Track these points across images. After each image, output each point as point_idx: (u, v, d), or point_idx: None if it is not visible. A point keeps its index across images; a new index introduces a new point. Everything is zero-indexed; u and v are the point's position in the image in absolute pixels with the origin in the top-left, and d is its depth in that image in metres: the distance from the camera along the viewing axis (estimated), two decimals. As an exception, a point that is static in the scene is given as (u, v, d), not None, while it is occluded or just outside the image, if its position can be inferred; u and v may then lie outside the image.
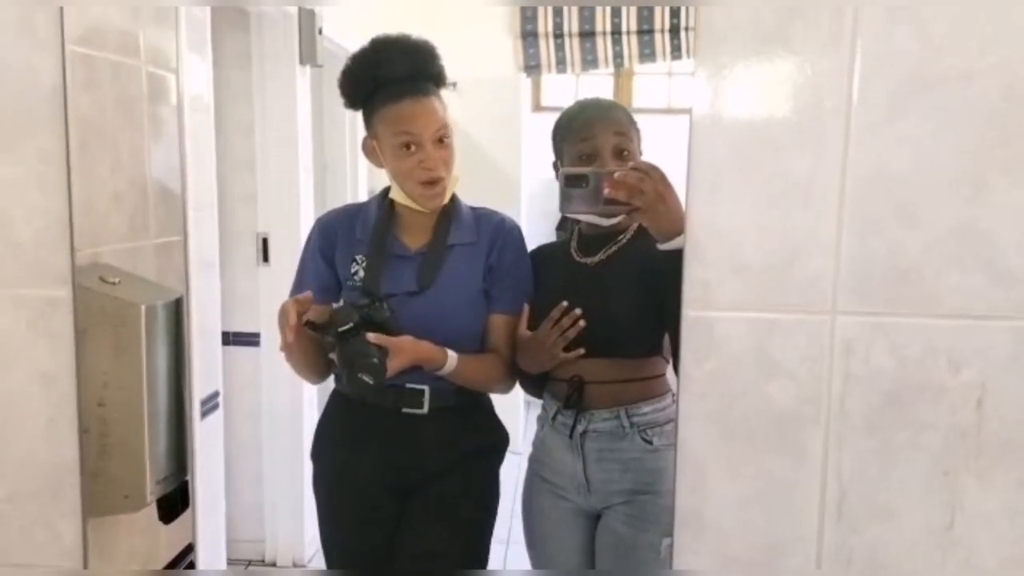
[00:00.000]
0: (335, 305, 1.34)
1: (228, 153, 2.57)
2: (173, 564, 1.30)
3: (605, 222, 1.31)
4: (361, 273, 1.35)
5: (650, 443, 1.31)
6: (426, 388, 1.34)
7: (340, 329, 1.25)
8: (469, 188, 1.54)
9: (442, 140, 1.31)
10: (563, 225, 1.57)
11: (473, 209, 1.41)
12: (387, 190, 1.40)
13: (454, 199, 1.37)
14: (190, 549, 1.35)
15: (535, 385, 1.42)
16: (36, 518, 0.88)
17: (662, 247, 1.11)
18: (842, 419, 0.84)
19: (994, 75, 0.78)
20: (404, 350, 1.28)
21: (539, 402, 1.44)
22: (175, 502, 1.17)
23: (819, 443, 0.84)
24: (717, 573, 0.87)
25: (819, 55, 0.79)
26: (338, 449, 1.43)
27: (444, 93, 1.34)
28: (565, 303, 1.26)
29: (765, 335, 0.83)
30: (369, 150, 1.37)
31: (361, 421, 1.39)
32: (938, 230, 0.80)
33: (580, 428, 1.33)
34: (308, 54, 2.82)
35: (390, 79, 1.29)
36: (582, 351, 1.28)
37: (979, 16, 0.77)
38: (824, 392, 0.84)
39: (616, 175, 1.14)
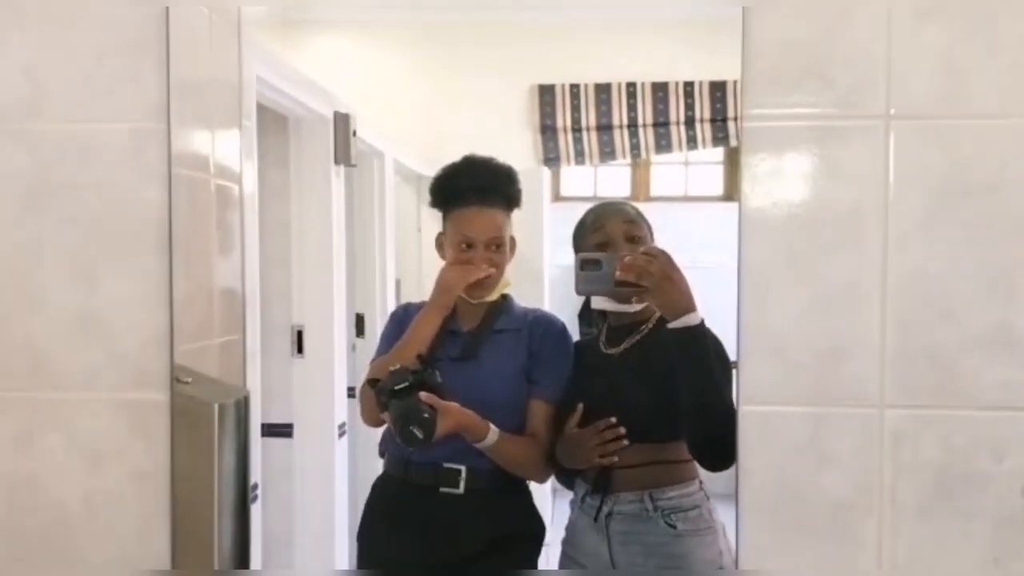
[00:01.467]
0: (391, 368, 1.45)
1: (265, 249, 2.67)
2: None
3: (619, 307, 1.40)
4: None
5: (674, 527, 1.34)
6: (463, 468, 1.44)
7: (396, 387, 1.37)
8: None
9: (497, 247, 1.49)
10: (584, 313, 1.65)
11: (524, 308, 1.55)
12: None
13: (507, 298, 1.53)
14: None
15: (567, 476, 1.47)
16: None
17: (671, 325, 1.20)
18: (894, 508, 0.89)
19: (1016, 188, 0.85)
20: (451, 413, 1.38)
21: (566, 493, 1.50)
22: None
23: (873, 532, 0.89)
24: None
25: (857, 170, 0.87)
26: (379, 529, 1.51)
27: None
28: (613, 419, 1.33)
29: (817, 428, 0.89)
30: (438, 244, 1.56)
31: (400, 501, 1.49)
32: (976, 328, 0.87)
33: (605, 510, 1.37)
34: (343, 154, 2.95)
35: (466, 188, 1.49)
36: (616, 459, 1.34)
37: (999, 139, 0.85)
38: (876, 482, 0.89)
39: (626, 259, 1.26)
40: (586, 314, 1.62)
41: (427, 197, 1.61)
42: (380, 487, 1.55)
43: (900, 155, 0.87)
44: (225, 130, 1.35)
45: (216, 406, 1.15)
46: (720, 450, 1.11)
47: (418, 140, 3.10)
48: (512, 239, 1.55)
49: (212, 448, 1.13)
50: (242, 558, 1.21)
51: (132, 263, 0.94)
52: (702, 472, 1.35)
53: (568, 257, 1.52)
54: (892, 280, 0.88)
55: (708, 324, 1.28)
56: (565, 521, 1.52)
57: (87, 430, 0.94)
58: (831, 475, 0.89)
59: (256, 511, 2.51)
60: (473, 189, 1.50)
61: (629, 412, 1.35)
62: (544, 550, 1.74)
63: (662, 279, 1.23)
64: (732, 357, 0.95)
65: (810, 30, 0.88)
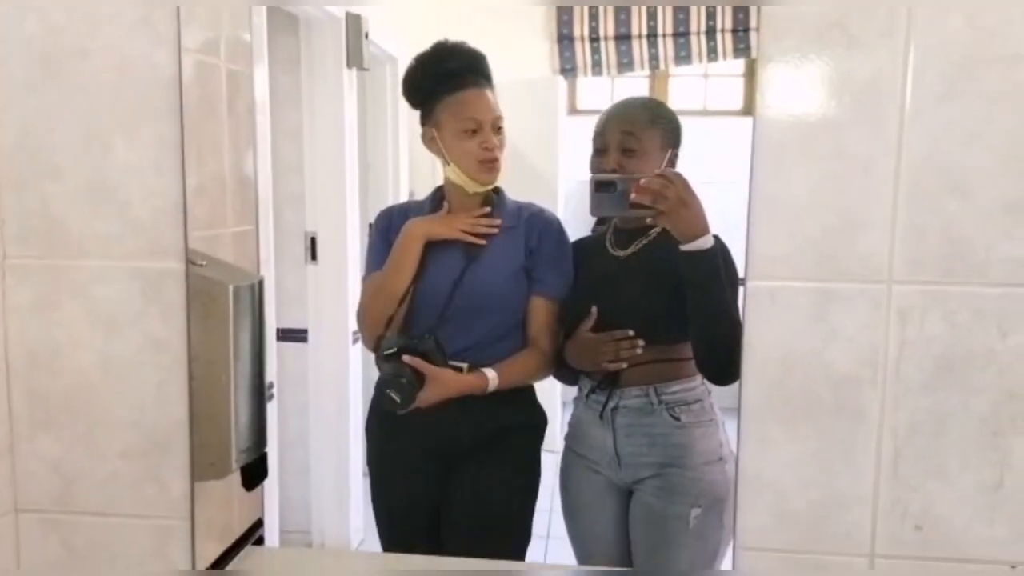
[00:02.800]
0: (384, 334, 1.48)
1: (277, 155, 2.66)
2: (244, 538, 1.38)
3: (632, 227, 1.40)
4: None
5: (678, 419, 1.38)
6: (463, 367, 1.45)
7: (384, 352, 1.40)
8: (507, 188, 1.63)
9: (498, 128, 1.46)
10: (602, 220, 1.65)
11: (517, 202, 1.55)
12: (439, 188, 1.55)
13: (499, 191, 1.52)
14: (259, 524, 1.43)
15: (570, 375, 1.50)
16: (147, 474, 0.96)
17: (684, 248, 1.20)
18: (898, 383, 0.90)
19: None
20: (443, 382, 1.42)
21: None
22: (255, 472, 1.25)
23: (876, 406, 0.91)
24: (776, 528, 0.93)
25: (875, 43, 0.86)
26: (384, 425, 1.54)
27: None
28: (631, 331, 1.34)
29: (824, 303, 0.90)
30: (429, 140, 1.51)
31: None
32: (989, 204, 0.87)
33: (611, 405, 1.40)
34: (355, 58, 2.91)
35: (452, 73, 1.45)
36: (624, 366, 1.36)
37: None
38: (880, 358, 0.90)
39: (642, 181, 1.24)
40: (601, 218, 1.62)
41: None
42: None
43: (921, 23, 0.85)
44: (238, 25, 1.33)
45: (231, 287, 1.17)
46: (727, 366, 1.14)
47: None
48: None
49: (227, 328, 1.15)
50: (259, 439, 1.25)
51: (145, 130, 0.94)
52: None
53: (583, 171, 1.50)
54: (907, 154, 0.87)
55: (724, 239, 1.29)
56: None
57: (104, 297, 0.96)
58: (836, 350, 0.90)
59: (272, 411, 2.56)
60: (465, 71, 1.47)
61: (636, 314, 1.37)
62: (555, 459, 1.78)
63: (677, 203, 1.22)
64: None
65: None
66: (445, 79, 1.46)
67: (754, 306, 0.91)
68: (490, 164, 1.45)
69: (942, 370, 0.89)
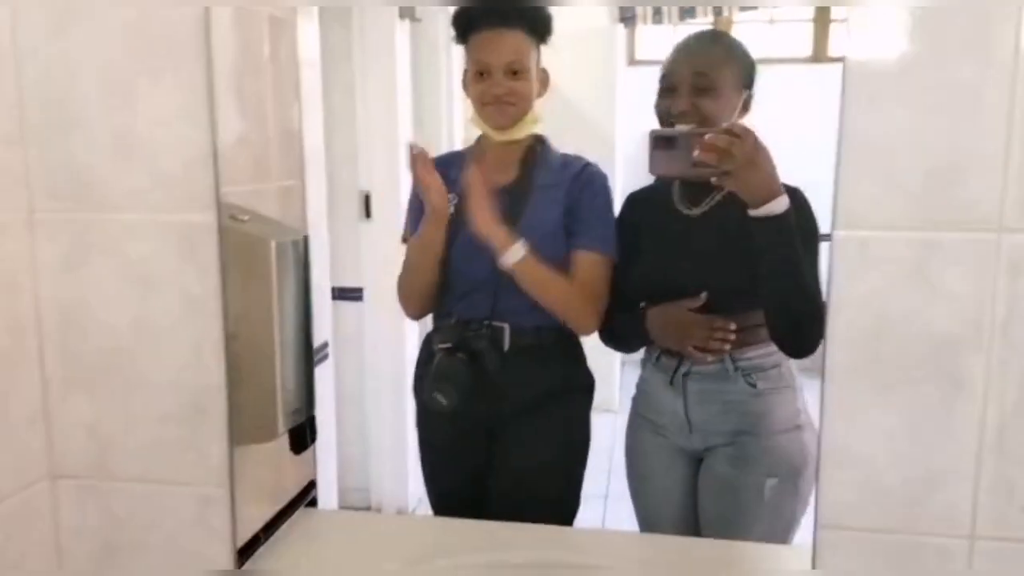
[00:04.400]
0: (451, 321, 1.43)
1: (330, 111, 2.61)
2: (297, 499, 1.33)
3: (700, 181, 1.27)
4: (452, 210, 1.42)
5: (754, 386, 1.29)
6: (506, 326, 1.40)
7: (440, 346, 1.37)
8: (561, 144, 1.54)
9: (516, 72, 1.38)
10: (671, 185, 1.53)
11: (564, 155, 1.47)
12: (480, 138, 1.49)
13: (544, 143, 1.46)
14: (312, 486, 1.38)
15: (627, 343, 1.41)
16: (185, 439, 0.91)
17: (753, 213, 1.09)
18: (1006, 345, 0.79)
19: None
20: (479, 210, 1.34)
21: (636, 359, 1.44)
22: (304, 435, 1.20)
23: (980, 371, 0.80)
24: (863, 505, 0.84)
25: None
26: (428, 385, 1.49)
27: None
28: (733, 325, 1.24)
29: (922, 255, 0.79)
30: (464, 81, 1.47)
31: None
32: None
33: (683, 370, 1.32)
34: (407, 8, 2.82)
35: (483, 11, 1.39)
36: (709, 359, 1.27)
37: None
38: (987, 317, 0.79)
39: (707, 137, 1.11)
40: None
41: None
42: (427, 344, 1.53)
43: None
44: None
45: (273, 243, 1.10)
46: (805, 339, 1.04)
47: None
48: (544, 71, 1.44)
49: (270, 286, 1.09)
50: (307, 401, 1.19)
51: (172, 77, 0.87)
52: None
53: (642, 124, 1.38)
54: (1022, 87, 0.75)
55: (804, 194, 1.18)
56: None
57: (135, 253, 0.90)
58: (935, 308, 0.80)
59: (327, 369, 2.53)
60: (489, 11, 1.40)
61: (710, 277, 1.27)
62: (611, 419, 1.70)
63: (747, 164, 1.09)
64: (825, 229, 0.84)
65: None
66: (478, 16, 1.40)
67: (842, 259, 0.80)
68: (493, 107, 1.39)
69: (1058, 334, 0.78)
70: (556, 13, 1.57)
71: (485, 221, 1.33)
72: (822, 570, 0.85)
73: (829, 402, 0.83)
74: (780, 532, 1.27)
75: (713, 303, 1.27)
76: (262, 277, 1.08)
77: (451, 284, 1.45)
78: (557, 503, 1.41)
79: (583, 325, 1.41)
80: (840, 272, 0.81)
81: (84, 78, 0.88)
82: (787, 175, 1.17)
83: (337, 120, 2.85)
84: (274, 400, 1.10)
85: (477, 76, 1.40)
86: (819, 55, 3.96)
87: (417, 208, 1.48)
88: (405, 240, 1.55)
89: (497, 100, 1.38)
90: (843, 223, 0.79)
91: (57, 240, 0.90)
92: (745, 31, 4.00)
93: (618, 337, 1.42)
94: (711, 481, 1.33)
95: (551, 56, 1.50)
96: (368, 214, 2.99)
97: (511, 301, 1.39)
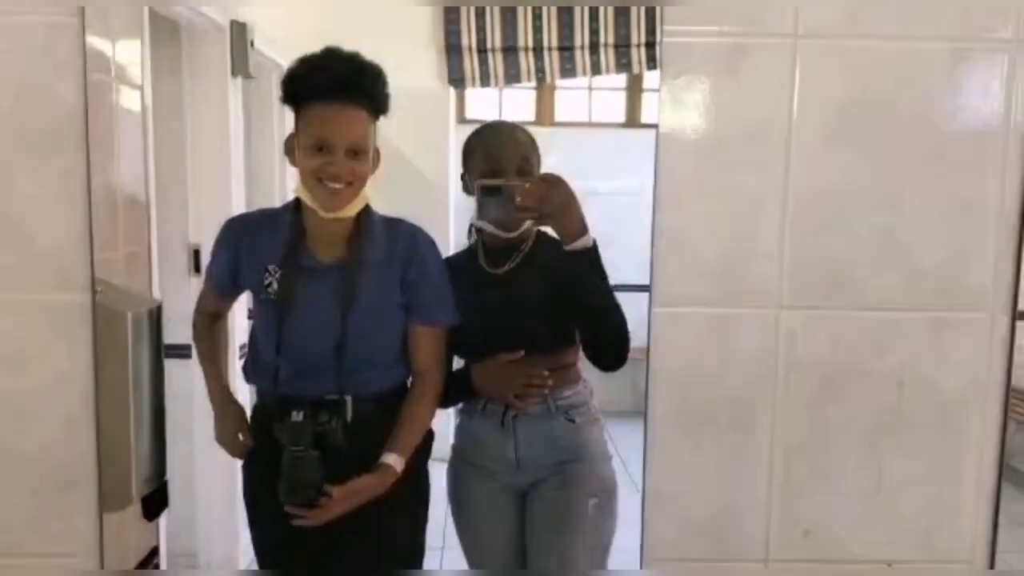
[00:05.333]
0: (294, 416, 1.32)
1: (159, 164, 2.59)
2: (141, 564, 1.35)
3: (509, 234, 1.43)
4: (275, 285, 1.38)
5: (573, 421, 1.44)
6: (348, 399, 1.36)
7: (292, 448, 1.29)
8: (397, 198, 1.64)
9: (356, 153, 1.33)
10: (472, 232, 1.68)
11: (386, 220, 1.43)
12: (297, 202, 1.40)
13: (368, 211, 1.40)
14: (155, 552, 1.41)
15: (453, 399, 1.52)
16: (53, 511, 0.95)
17: (569, 247, 1.26)
18: (787, 399, 0.99)
19: (908, 107, 0.94)
20: (356, 495, 1.30)
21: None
22: (156, 501, 1.24)
23: (767, 420, 0.99)
24: (680, 539, 1.00)
25: (764, 86, 0.94)
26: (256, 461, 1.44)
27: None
28: (547, 372, 1.38)
29: (720, 327, 0.98)
30: (289, 147, 1.39)
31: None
32: (866, 238, 0.96)
33: (511, 414, 1.45)
34: (240, 66, 2.86)
35: (326, 84, 1.32)
36: (527, 409, 1.41)
37: (894, 61, 0.93)
38: (771, 376, 0.98)
39: (528, 186, 1.28)
40: (471, 230, 1.65)
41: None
42: (255, 415, 1.46)
43: (805, 74, 0.94)
44: (126, 37, 1.30)
45: (130, 315, 1.15)
46: (616, 352, 1.21)
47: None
48: (376, 150, 1.37)
49: (126, 358, 1.14)
50: (160, 468, 1.23)
51: (47, 163, 0.92)
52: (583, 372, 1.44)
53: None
54: (792, 193, 0.96)
55: (608, 245, 1.34)
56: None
57: (8, 332, 0.93)
58: (732, 370, 0.98)
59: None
60: (333, 83, 1.32)
61: (524, 328, 1.42)
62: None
63: (561, 207, 1.27)
64: (637, 271, 1.02)
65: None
66: (315, 87, 1.33)
67: (657, 329, 0.98)
68: (330, 192, 1.33)
69: (826, 387, 0.98)
70: (392, 76, 1.67)
71: (362, 499, 1.31)
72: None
73: (651, 453, 1.00)
74: (601, 546, 1.42)
75: (527, 350, 1.42)
76: (119, 349, 1.12)
77: (279, 364, 1.38)
78: (407, 556, 1.46)
79: (438, 399, 1.43)
80: (656, 340, 0.98)
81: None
82: (600, 226, 1.35)
83: (166, 173, 2.82)
84: (129, 468, 1.14)
85: (313, 150, 1.32)
86: (631, 120, 4.32)
87: (218, 270, 1.44)
88: (200, 312, 1.51)
89: (335, 179, 1.32)
90: (658, 301, 0.97)
91: (-81, 319, 0.92)
92: (567, 96, 4.30)
93: (446, 394, 1.52)
94: (540, 506, 1.46)
95: (389, 114, 1.55)
96: (197, 268, 2.96)
97: (353, 377, 1.37)
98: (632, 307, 1.06)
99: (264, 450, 1.37)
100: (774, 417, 0.99)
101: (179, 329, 3.00)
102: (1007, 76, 0.94)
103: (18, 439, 0.94)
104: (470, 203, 1.44)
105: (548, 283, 1.34)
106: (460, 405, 1.53)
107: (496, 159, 1.42)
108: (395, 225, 1.43)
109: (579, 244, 1.22)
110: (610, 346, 1.28)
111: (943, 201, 0.96)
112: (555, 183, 1.25)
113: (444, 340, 1.42)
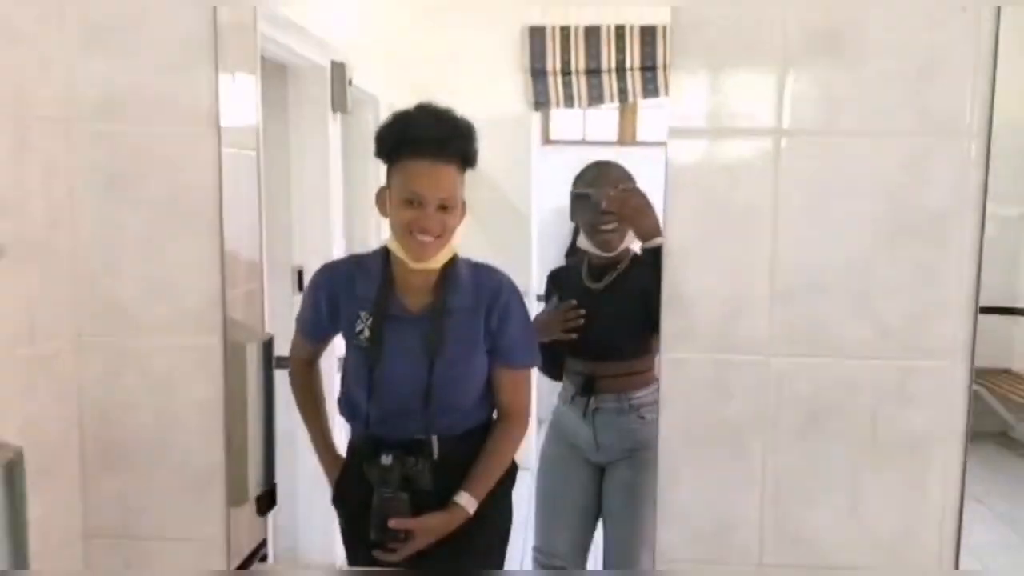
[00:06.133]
0: (383, 459, 1.43)
1: (267, 193, 2.95)
2: (251, 555, 1.67)
3: (601, 253, 1.74)
4: (366, 332, 1.47)
5: (643, 418, 1.74)
6: (434, 438, 1.47)
7: (382, 490, 1.40)
8: (483, 221, 1.92)
9: (446, 207, 1.39)
10: (572, 251, 1.98)
11: (472, 267, 1.50)
12: (387, 248, 1.48)
13: (454, 260, 1.46)
14: (264, 544, 1.72)
15: (555, 372, 1.82)
16: (192, 504, 1.27)
17: (644, 245, 1.55)
18: (776, 431, 1.22)
19: (879, 194, 1.16)
20: (427, 533, 1.42)
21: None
22: (267, 500, 1.54)
23: (759, 449, 1.22)
24: (687, 543, 1.25)
25: (748, 170, 1.18)
26: (354, 495, 1.57)
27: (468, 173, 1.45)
28: (574, 301, 1.68)
29: (719, 371, 1.22)
30: (380, 199, 1.47)
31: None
32: (841, 299, 1.19)
33: (592, 407, 1.75)
34: (339, 102, 3.21)
35: (419, 139, 1.40)
36: (574, 336, 1.71)
37: (859, 153, 1.16)
38: (764, 412, 1.22)
39: (611, 193, 1.61)
40: (572, 250, 1.94)
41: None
42: (349, 451, 1.61)
43: (788, 160, 1.18)
44: (243, 103, 1.60)
45: (248, 347, 1.45)
46: None
47: (410, 84, 3.32)
48: (463, 203, 1.43)
49: (245, 382, 1.44)
50: (269, 473, 1.53)
51: (190, 232, 1.25)
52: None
53: (556, 199, 1.78)
54: (779, 259, 1.19)
55: None
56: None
57: (163, 367, 1.26)
58: (730, 406, 1.22)
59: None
60: (426, 140, 1.38)
61: (610, 335, 1.73)
62: (529, 476, 2.08)
63: (637, 211, 1.57)
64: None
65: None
66: (408, 144, 1.40)
67: (669, 372, 1.23)
68: (420, 244, 1.39)
69: (810, 422, 1.21)
70: (480, 101, 1.95)
71: (433, 535, 1.42)
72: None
73: (662, 472, 1.24)
74: None
75: (612, 354, 1.71)
76: (240, 376, 1.42)
77: (370, 407, 1.48)
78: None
79: (522, 437, 1.56)
80: (666, 382, 1.23)
81: (126, 235, 1.25)
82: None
83: (273, 201, 3.19)
84: (247, 472, 1.44)
85: (405, 204, 1.39)
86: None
87: (312, 313, 1.60)
88: (294, 360, 1.66)
89: (425, 232, 1.38)
90: (667, 348, 1.22)
91: (97, 357, 1.26)
92: (649, 116, 4.50)
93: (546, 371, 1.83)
94: (616, 481, 1.81)
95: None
96: (301, 287, 3.32)
97: (440, 419, 1.46)
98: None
99: (354, 486, 1.52)
100: (765, 445, 1.22)
101: (284, 343, 3.37)
102: (960, 164, 1.15)
103: (168, 448, 1.27)
104: (556, 221, 1.73)
105: (634, 300, 1.65)
106: (560, 392, 1.89)
107: (596, 184, 1.71)
108: (480, 272, 1.50)
109: (653, 243, 1.53)
110: None
111: (907, 269, 1.17)
112: (633, 191, 1.58)
113: (528, 381, 1.56)
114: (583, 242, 1.79)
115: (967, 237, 1.16)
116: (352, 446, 1.59)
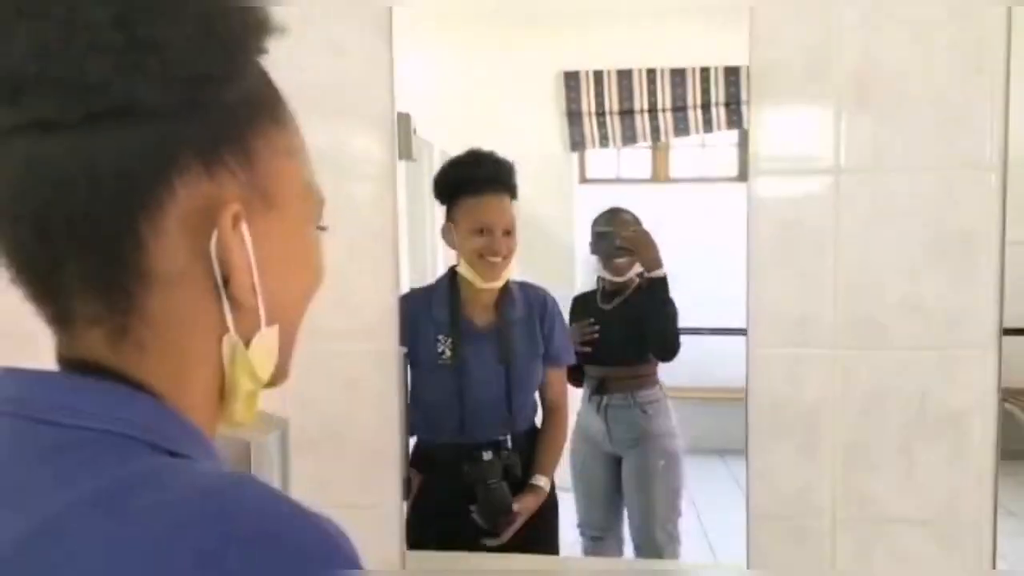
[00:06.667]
0: (485, 456, 1.77)
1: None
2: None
3: (615, 279, 2.11)
4: (448, 352, 1.79)
5: (646, 412, 2.07)
6: (509, 436, 1.83)
7: (488, 482, 1.74)
8: (528, 254, 2.26)
9: (508, 232, 1.80)
10: (598, 281, 2.35)
11: (519, 285, 1.85)
12: (452, 273, 1.85)
13: (507, 286, 1.83)
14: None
15: (576, 379, 2.17)
16: (372, 479, 1.60)
17: (649, 274, 1.89)
18: (844, 414, 1.54)
19: (919, 218, 1.50)
20: (526, 512, 1.80)
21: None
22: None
23: (829, 427, 1.54)
24: (772, 502, 1.56)
25: (813, 200, 1.52)
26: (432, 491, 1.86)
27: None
28: (591, 319, 2.06)
29: (794, 364, 1.54)
30: (447, 234, 1.86)
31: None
32: (893, 300, 1.51)
33: (604, 404, 2.09)
34: (405, 150, 3.56)
35: (477, 179, 1.82)
36: (588, 349, 2.06)
37: (912, 186, 1.49)
38: (830, 397, 1.54)
39: (624, 233, 2.01)
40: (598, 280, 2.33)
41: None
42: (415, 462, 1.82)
43: (846, 191, 1.51)
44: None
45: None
46: (671, 349, 1.92)
47: (458, 129, 3.66)
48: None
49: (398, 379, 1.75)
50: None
51: (366, 255, 1.59)
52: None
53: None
54: (841, 272, 1.52)
55: (711, 293, 1.95)
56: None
57: (345, 368, 1.59)
58: (804, 392, 1.54)
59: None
60: (486, 179, 1.79)
61: (619, 345, 2.10)
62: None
63: (645, 246, 1.95)
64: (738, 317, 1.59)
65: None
66: (467, 184, 1.81)
67: (754, 365, 1.55)
68: (491, 265, 1.74)
69: (869, 402, 1.53)
70: (522, 143, 2.29)
71: (528, 514, 1.77)
72: (756, 551, 1.56)
73: (752, 446, 1.56)
74: (671, 492, 2.04)
75: (621, 362, 2.05)
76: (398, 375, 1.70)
77: (464, 416, 1.79)
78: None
79: (567, 423, 2.02)
80: (753, 373, 1.55)
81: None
82: (707, 272, 1.95)
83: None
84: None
85: (475, 233, 1.75)
86: (743, 175, 4.84)
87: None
88: None
89: (495, 254, 1.74)
90: (754, 345, 1.54)
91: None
92: (680, 154, 4.80)
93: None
94: (628, 467, 2.12)
95: (519, 179, 2.17)
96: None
97: (516, 418, 1.83)
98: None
99: (431, 491, 1.80)
100: (834, 424, 1.54)
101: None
102: (983, 192, 1.48)
103: (352, 433, 1.60)
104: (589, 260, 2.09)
105: (640, 319, 2.01)
106: (582, 396, 2.18)
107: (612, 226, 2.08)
108: (526, 288, 1.88)
109: (656, 273, 1.87)
110: (665, 346, 1.90)
111: (944, 278, 1.50)
112: (643, 231, 1.92)
113: (567, 377, 1.97)
114: (600, 270, 2.16)
115: (992, 251, 1.49)
116: (431, 456, 1.86)
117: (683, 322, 1.92)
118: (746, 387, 1.56)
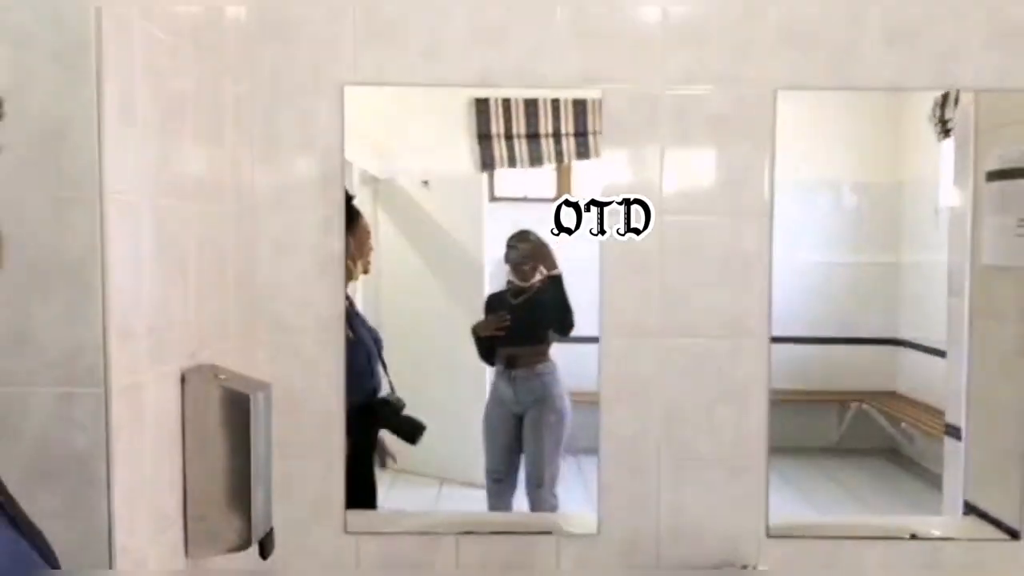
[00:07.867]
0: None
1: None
2: None
3: (521, 283, 2.92)
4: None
5: (544, 381, 2.93)
6: None
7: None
8: (442, 264, 2.98)
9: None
10: (508, 284, 3.11)
11: None
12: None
13: None
14: None
15: (490, 358, 2.95)
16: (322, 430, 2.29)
17: (549, 273, 2.78)
18: (665, 382, 2.30)
19: (720, 242, 2.27)
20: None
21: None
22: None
23: (656, 392, 2.30)
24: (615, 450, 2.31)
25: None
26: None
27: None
28: (504, 312, 2.89)
29: (631, 350, 2.30)
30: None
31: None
32: (699, 304, 2.28)
33: (512, 375, 2.92)
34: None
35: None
36: (502, 334, 2.88)
37: (720, 218, 2.27)
38: (657, 371, 2.30)
39: (528, 249, 2.86)
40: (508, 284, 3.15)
41: (387, 203, 2.89)
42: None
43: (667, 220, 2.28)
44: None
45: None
46: (568, 326, 2.76)
47: (376, 149, 4.21)
48: None
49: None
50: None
51: (321, 281, 2.28)
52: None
53: (501, 250, 2.92)
54: (664, 287, 2.28)
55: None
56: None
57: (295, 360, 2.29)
58: (639, 369, 2.30)
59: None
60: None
61: (525, 331, 2.91)
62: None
63: (543, 252, 2.83)
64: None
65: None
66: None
67: (605, 349, 2.30)
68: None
69: (682, 378, 2.30)
70: (436, 163, 3.01)
71: None
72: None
73: (603, 406, 2.31)
74: (557, 440, 2.86)
75: (526, 341, 2.87)
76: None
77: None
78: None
79: None
80: (603, 355, 2.30)
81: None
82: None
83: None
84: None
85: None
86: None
87: None
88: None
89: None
90: (606, 335, 2.29)
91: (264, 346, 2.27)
92: (581, 174, 5.47)
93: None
94: (528, 421, 2.92)
95: (431, 198, 2.95)
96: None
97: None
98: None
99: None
100: (659, 391, 2.30)
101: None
102: (758, 231, 2.27)
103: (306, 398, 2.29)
104: (501, 266, 2.84)
105: (541, 309, 2.91)
106: (495, 370, 3.04)
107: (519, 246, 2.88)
108: None
109: (554, 272, 2.67)
110: (563, 324, 2.75)
111: (730, 286, 2.28)
112: (541, 243, 2.71)
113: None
114: (510, 275, 2.92)
115: (764, 271, 2.28)
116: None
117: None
118: (599, 364, 2.32)
